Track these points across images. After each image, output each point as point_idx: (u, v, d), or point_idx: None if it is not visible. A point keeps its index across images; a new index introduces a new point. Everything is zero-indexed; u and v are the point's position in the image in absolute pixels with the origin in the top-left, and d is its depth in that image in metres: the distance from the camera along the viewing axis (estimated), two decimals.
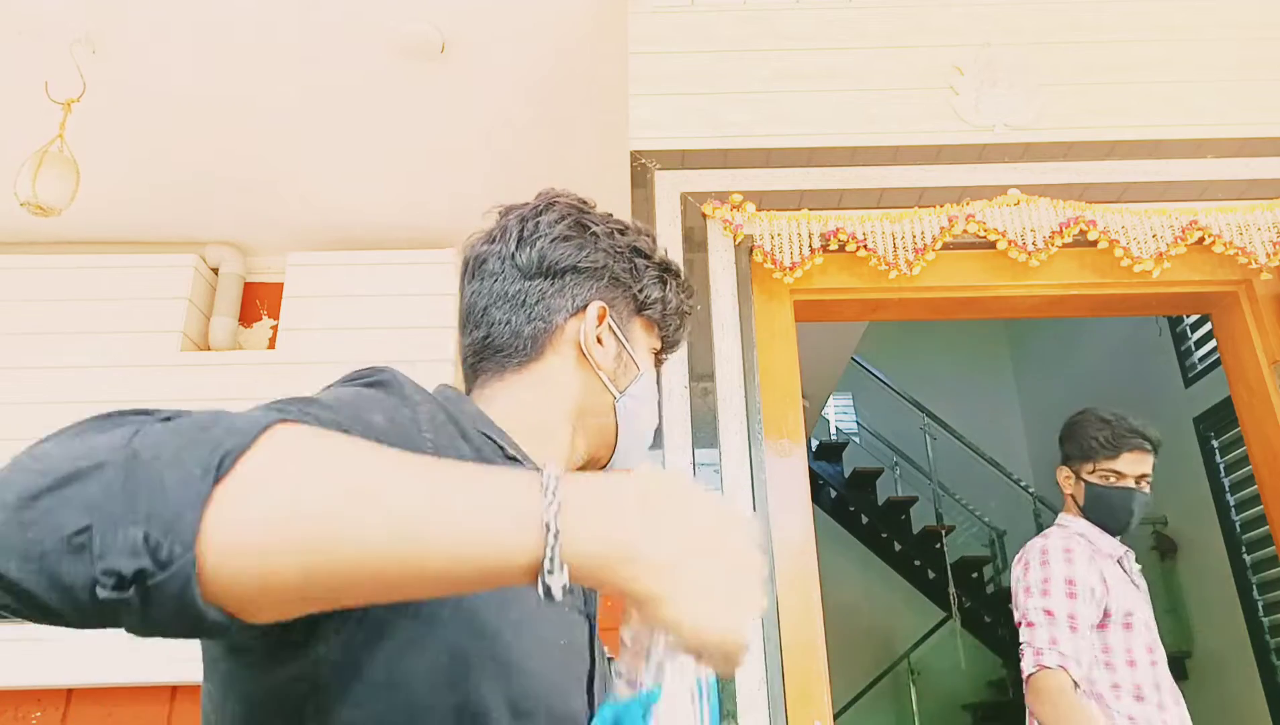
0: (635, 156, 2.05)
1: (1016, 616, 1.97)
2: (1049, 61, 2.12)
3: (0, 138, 2.57)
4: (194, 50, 2.36)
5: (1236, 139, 2.03)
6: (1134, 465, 2.02)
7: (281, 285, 3.09)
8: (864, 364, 6.77)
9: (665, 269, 0.90)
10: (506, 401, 0.81)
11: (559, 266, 0.83)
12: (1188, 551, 4.95)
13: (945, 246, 1.97)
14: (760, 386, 1.89)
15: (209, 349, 3.03)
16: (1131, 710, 1.83)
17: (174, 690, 2.65)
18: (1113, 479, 2.03)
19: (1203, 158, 2.02)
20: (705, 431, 1.83)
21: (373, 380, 0.66)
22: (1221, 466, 4.65)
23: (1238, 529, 4.52)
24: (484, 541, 0.46)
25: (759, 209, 1.98)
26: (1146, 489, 2.03)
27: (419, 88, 2.50)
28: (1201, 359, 4.81)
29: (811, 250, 1.95)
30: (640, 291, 0.87)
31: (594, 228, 0.86)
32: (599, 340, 0.84)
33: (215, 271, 3.18)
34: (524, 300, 0.83)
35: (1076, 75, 2.10)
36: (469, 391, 0.84)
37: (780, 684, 1.66)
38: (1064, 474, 2.13)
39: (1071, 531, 2.05)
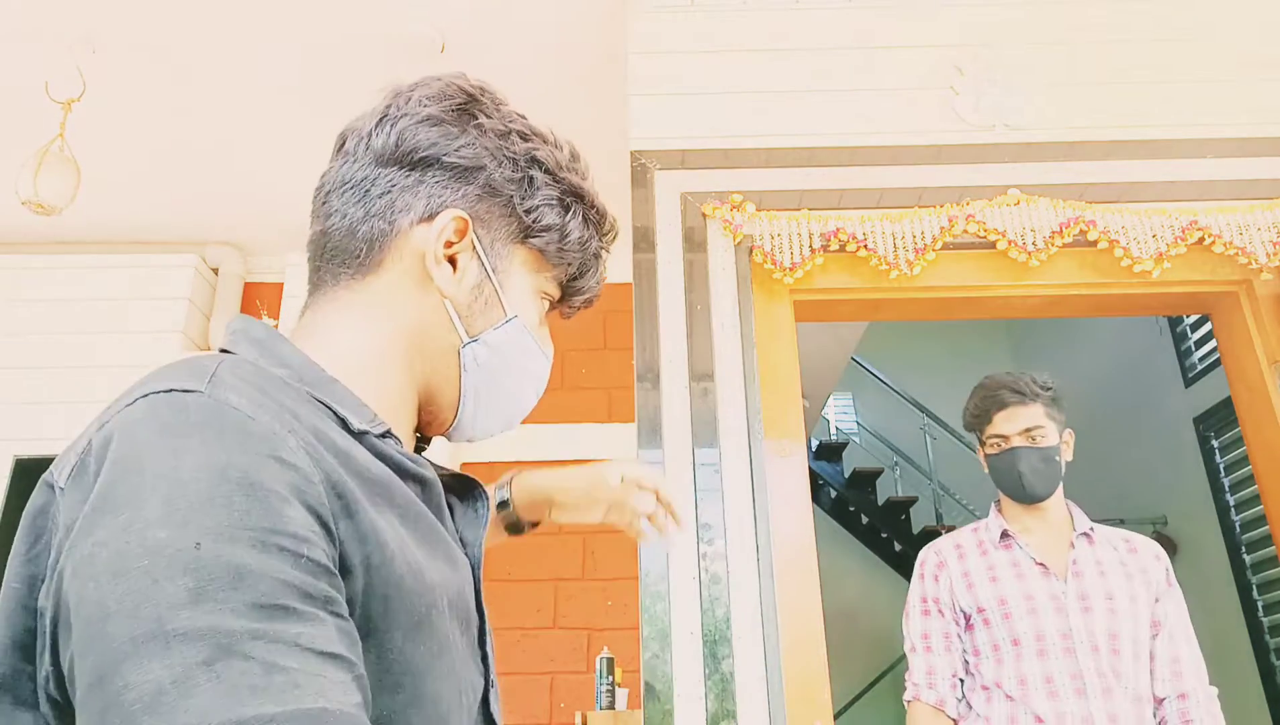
0: (635, 156, 2.05)
1: None
2: (1049, 61, 2.12)
3: (1, 137, 2.57)
4: (194, 51, 2.36)
5: (1236, 139, 2.03)
6: (1011, 422, 1.83)
7: (281, 285, 3.10)
8: (864, 364, 6.77)
9: (574, 194, 0.70)
10: (327, 335, 0.64)
11: (417, 155, 0.65)
12: (1188, 551, 4.94)
13: (945, 246, 1.97)
14: (760, 386, 1.89)
15: (209, 349, 3.03)
16: (992, 711, 1.71)
17: None
18: (1001, 445, 1.85)
19: (1203, 158, 2.02)
20: (705, 431, 1.83)
21: (234, 480, 0.46)
22: (1221, 466, 4.64)
23: (1238, 529, 4.52)
24: None
25: (759, 209, 1.98)
26: (1042, 441, 1.81)
27: None
28: (1201, 359, 4.81)
29: (811, 250, 1.95)
30: (529, 212, 0.68)
31: (481, 120, 0.67)
32: (452, 261, 0.66)
33: (215, 271, 3.18)
34: (368, 190, 0.65)
35: (1076, 75, 2.10)
36: (303, 309, 0.69)
37: (780, 683, 1.66)
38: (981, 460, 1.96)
39: (952, 537, 1.95)
